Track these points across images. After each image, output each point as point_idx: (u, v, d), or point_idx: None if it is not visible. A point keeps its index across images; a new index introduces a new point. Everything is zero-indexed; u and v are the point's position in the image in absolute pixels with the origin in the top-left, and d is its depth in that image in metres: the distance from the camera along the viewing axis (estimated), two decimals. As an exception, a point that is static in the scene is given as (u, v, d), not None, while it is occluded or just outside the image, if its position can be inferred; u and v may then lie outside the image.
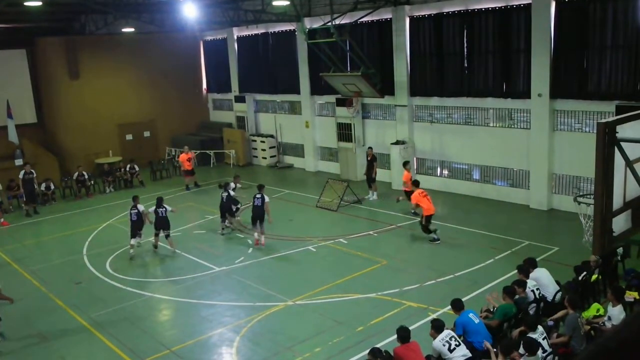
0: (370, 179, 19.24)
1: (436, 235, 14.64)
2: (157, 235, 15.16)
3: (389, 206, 18.24)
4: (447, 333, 8.10)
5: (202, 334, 10.68)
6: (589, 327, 8.70)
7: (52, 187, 21.57)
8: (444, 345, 7.95)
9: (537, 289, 9.72)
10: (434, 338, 8.12)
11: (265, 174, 24.73)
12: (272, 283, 12.83)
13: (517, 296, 9.29)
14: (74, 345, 10.67)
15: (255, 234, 15.37)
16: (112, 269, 14.32)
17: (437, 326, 8.20)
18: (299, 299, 11.85)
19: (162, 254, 15.40)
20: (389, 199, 18.91)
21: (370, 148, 19.69)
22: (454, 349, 7.93)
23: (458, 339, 8.13)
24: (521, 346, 7.63)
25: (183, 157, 22.34)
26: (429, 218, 14.75)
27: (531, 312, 9.31)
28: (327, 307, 11.46)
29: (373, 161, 19.19)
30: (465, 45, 18.24)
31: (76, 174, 22.20)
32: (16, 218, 19.73)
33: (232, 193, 16.56)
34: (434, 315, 10.41)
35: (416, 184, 15.54)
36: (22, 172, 19.99)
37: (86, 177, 22.17)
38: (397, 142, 20.23)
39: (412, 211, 16.24)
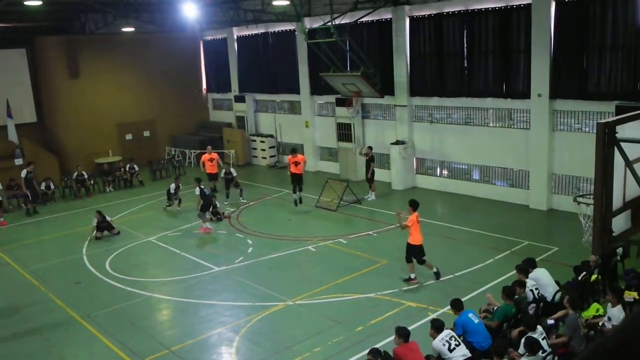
0: (368, 179, 19.20)
1: (436, 269, 12.37)
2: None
3: (388, 206, 18.23)
4: (447, 333, 8.11)
5: (201, 334, 10.67)
6: (587, 330, 8.70)
7: (52, 186, 21.57)
8: (444, 345, 7.95)
9: (536, 288, 9.72)
10: (434, 338, 8.12)
11: (264, 174, 24.74)
12: (271, 283, 12.82)
13: (516, 296, 9.29)
14: (73, 345, 10.67)
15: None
16: (111, 268, 14.32)
17: (437, 326, 8.20)
18: (299, 298, 11.85)
19: (161, 254, 15.42)
20: (389, 199, 18.93)
21: (369, 147, 19.64)
22: (454, 348, 7.93)
23: (458, 338, 8.14)
24: (521, 345, 7.64)
25: (205, 157, 20.52)
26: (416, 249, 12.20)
27: (531, 312, 9.31)
28: (327, 307, 11.46)
29: (370, 161, 19.15)
30: (465, 45, 18.24)
31: (75, 173, 22.19)
32: (16, 218, 19.71)
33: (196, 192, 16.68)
34: (433, 315, 10.42)
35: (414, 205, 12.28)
36: (25, 171, 19.95)
37: (86, 176, 22.15)
38: (397, 142, 20.23)
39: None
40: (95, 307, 12.10)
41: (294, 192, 18.21)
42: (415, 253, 12.10)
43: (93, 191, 22.48)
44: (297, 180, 18.16)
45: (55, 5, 21.13)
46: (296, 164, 18.07)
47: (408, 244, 12.13)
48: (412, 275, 12.26)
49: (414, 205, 12.12)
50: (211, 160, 20.39)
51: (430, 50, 19.19)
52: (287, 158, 18.86)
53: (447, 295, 10.27)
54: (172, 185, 19.16)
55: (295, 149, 19.16)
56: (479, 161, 18.59)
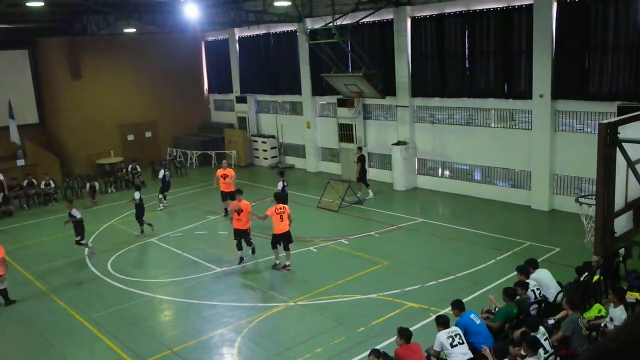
0: (359, 179, 19.14)
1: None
2: None
3: (390, 207, 18.23)
4: (453, 329, 8.17)
5: (203, 335, 10.68)
6: (588, 332, 8.68)
7: (52, 184, 21.49)
8: (448, 338, 7.98)
9: (538, 288, 9.70)
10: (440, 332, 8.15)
11: (266, 175, 24.73)
12: (273, 283, 12.83)
13: (518, 297, 9.27)
14: (75, 346, 10.68)
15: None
16: (113, 269, 14.33)
17: (442, 322, 8.28)
18: (300, 299, 11.85)
19: (163, 255, 15.43)
20: (390, 200, 18.92)
21: (359, 148, 19.68)
22: (456, 345, 7.96)
23: (463, 337, 8.15)
24: (523, 345, 7.62)
25: (219, 172, 18.05)
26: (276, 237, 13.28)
27: (533, 312, 9.30)
28: (329, 308, 11.46)
29: (359, 161, 19.12)
30: (466, 45, 18.22)
31: (88, 185, 21.70)
32: (18, 218, 19.72)
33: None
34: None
35: (276, 197, 13.59)
36: None
37: (97, 187, 21.65)
38: (399, 143, 20.23)
39: None
40: (96, 308, 12.11)
41: (239, 248, 13.97)
42: (276, 240, 13.32)
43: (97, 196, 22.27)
44: (241, 235, 13.99)
45: (57, 7, 21.17)
46: (239, 212, 13.72)
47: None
48: (277, 262, 13.47)
49: (276, 198, 13.62)
50: (224, 177, 17.79)
51: (432, 50, 19.18)
52: (231, 203, 14.98)
53: (449, 296, 10.26)
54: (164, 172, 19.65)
55: (240, 190, 14.77)
56: (480, 162, 18.57)
